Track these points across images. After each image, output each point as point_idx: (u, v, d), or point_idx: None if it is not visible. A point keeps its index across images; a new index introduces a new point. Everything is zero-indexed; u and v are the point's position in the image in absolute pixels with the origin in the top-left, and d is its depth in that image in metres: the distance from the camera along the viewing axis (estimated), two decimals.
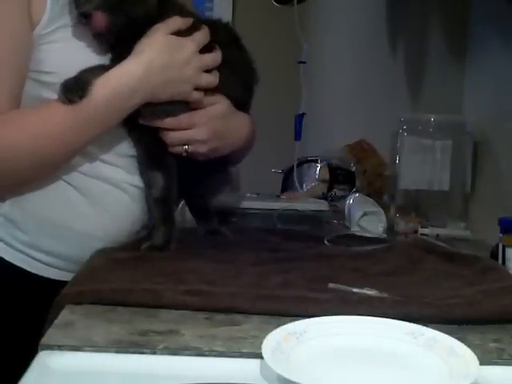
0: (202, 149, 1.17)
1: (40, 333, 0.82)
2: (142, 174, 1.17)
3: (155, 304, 0.89)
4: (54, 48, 1.10)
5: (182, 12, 1.17)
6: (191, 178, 1.24)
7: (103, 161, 1.15)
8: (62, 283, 0.98)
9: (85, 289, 0.93)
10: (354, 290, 0.95)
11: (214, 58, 1.16)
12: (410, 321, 0.82)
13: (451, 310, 0.88)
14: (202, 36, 1.15)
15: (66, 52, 1.10)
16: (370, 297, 0.92)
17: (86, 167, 1.14)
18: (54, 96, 1.07)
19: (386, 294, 0.93)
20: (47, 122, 1.07)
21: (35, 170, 1.09)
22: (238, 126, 1.24)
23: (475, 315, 0.88)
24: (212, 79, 1.16)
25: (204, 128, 1.17)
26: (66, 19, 1.10)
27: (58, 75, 1.07)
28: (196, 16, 1.20)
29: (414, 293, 0.95)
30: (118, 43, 1.12)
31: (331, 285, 0.97)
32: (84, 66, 1.09)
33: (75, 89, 1.05)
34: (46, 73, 1.09)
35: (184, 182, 1.21)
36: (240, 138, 1.24)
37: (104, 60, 1.13)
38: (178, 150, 1.16)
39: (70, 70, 1.07)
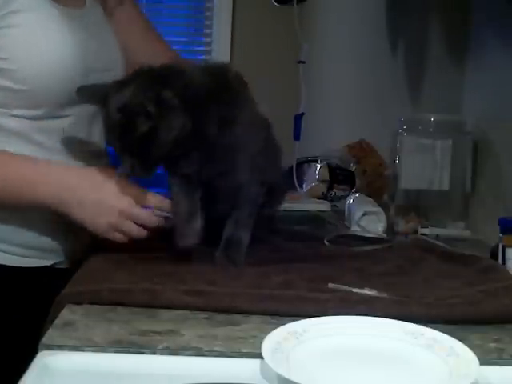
0: None
1: (36, 332, 0.82)
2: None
3: (155, 304, 0.89)
4: (5, 33, 1.09)
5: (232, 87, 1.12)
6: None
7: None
8: (28, 269, 1.03)
9: (84, 289, 0.93)
10: (354, 290, 0.95)
11: (149, 219, 1.10)
12: (410, 321, 0.82)
13: (451, 310, 0.88)
14: (142, 215, 1.10)
15: (20, 38, 1.10)
16: (370, 297, 0.92)
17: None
18: (7, 83, 1.09)
19: (386, 294, 0.93)
20: None
21: None
22: None
23: (475, 315, 0.88)
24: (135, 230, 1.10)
25: None
26: (18, 4, 1.10)
27: (10, 61, 1.09)
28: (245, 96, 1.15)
29: (413, 293, 0.94)
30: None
31: (331, 285, 0.97)
32: (39, 52, 1.10)
33: None
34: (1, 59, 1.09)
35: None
36: None
37: (61, 46, 1.13)
38: None
39: (24, 57, 1.09)
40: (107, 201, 1.08)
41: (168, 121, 1.01)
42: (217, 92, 1.07)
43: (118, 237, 1.10)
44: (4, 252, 1.16)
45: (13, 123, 1.13)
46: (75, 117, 1.18)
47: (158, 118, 1.00)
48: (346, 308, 0.87)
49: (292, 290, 0.94)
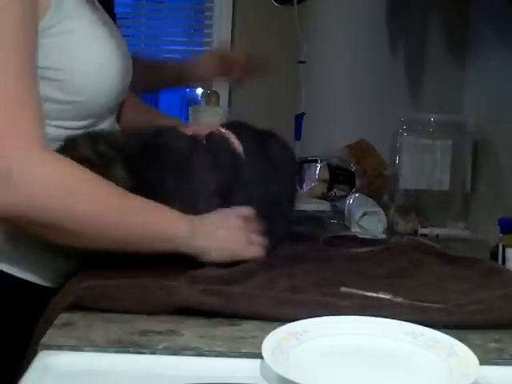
0: None
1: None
2: None
3: (170, 304, 0.87)
4: (58, 42, 1.03)
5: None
6: None
7: None
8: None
9: (95, 284, 0.91)
10: (369, 294, 0.93)
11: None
12: (430, 327, 0.81)
13: (472, 316, 0.87)
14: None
15: (71, 45, 1.04)
16: (390, 303, 0.90)
17: None
18: (57, 94, 1.03)
19: (401, 299, 0.91)
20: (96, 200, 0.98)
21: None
22: None
23: (496, 321, 0.87)
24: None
25: None
26: (66, 10, 1.03)
27: (65, 72, 1.03)
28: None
29: (425, 297, 0.92)
30: None
31: (343, 289, 0.94)
32: (99, 61, 1.07)
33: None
34: (51, 69, 1.02)
35: None
36: None
37: (113, 53, 1.09)
38: None
39: (83, 67, 1.04)
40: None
41: (111, 169, 1.02)
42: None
43: (256, 250, 1.10)
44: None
45: (52, 132, 1.05)
46: (106, 125, 1.15)
47: (101, 167, 1.00)
48: (367, 315, 0.84)
49: (308, 295, 0.91)
